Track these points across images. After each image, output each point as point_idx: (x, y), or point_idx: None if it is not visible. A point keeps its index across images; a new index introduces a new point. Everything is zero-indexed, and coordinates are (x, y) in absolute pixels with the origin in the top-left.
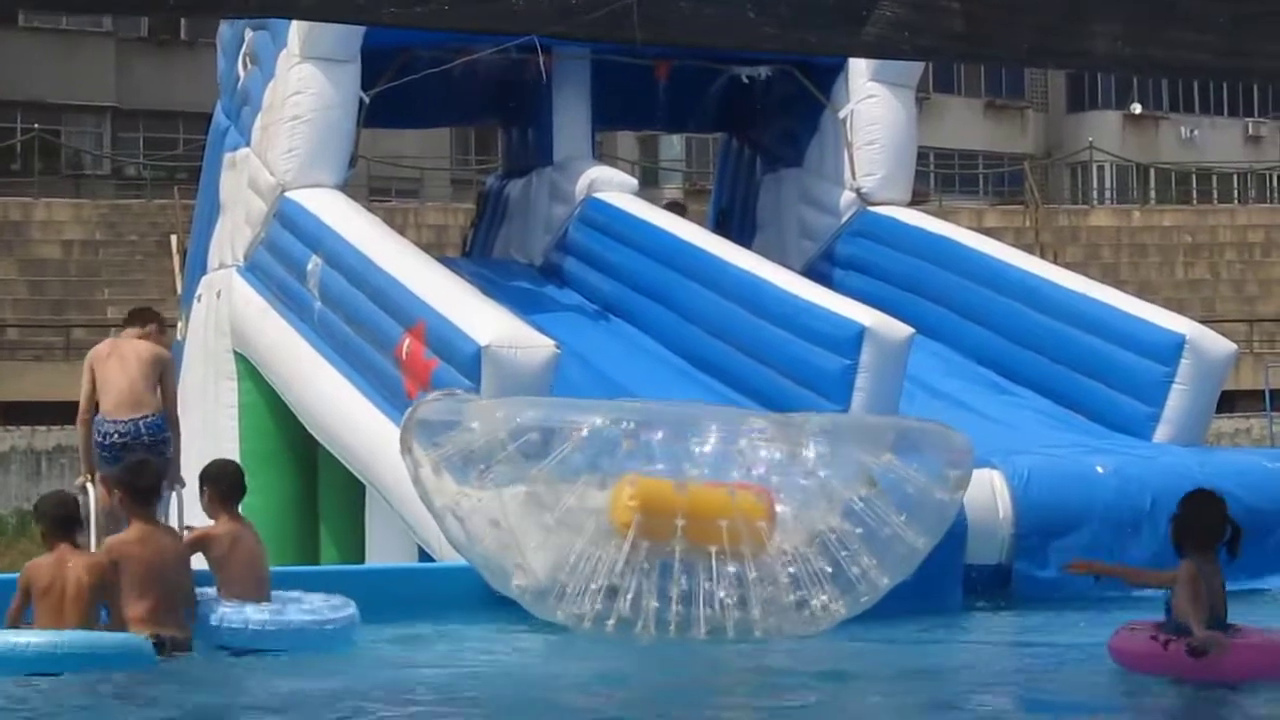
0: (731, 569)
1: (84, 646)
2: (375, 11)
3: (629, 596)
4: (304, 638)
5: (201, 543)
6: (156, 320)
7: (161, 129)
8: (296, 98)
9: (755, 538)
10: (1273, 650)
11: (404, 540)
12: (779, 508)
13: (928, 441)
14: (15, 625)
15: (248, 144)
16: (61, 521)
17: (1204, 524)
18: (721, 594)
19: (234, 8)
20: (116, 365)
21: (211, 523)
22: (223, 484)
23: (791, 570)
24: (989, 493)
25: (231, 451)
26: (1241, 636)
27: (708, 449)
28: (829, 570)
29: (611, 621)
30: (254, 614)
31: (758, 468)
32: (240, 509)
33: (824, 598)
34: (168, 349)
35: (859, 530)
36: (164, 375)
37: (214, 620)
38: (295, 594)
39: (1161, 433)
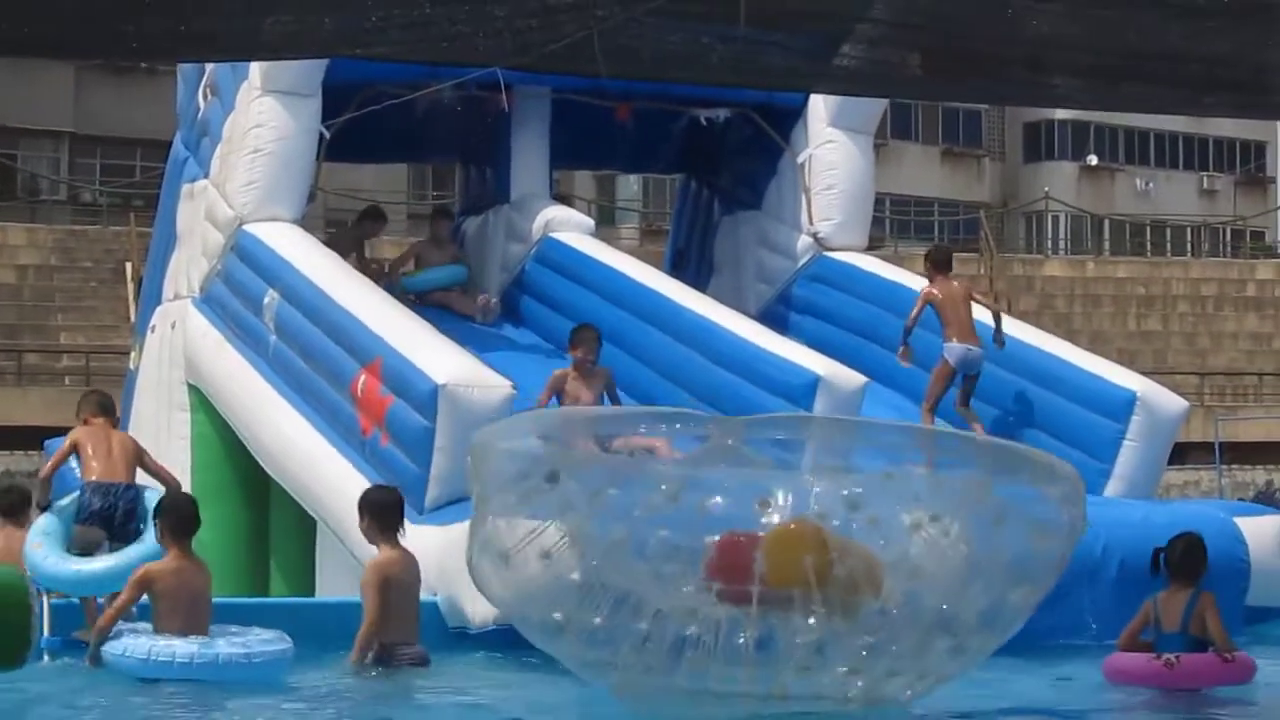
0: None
1: None
2: (340, 46)
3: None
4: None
5: (146, 580)
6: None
7: (119, 155)
8: (257, 130)
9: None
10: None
11: (354, 575)
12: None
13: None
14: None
15: (206, 175)
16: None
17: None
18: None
19: (198, 51)
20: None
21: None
22: (170, 517)
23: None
24: None
25: (183, 483)
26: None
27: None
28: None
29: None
30: (181, 648)
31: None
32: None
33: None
34: None
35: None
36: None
37: (140, 654)
38: (234, 629)
39: (1112, 488)
